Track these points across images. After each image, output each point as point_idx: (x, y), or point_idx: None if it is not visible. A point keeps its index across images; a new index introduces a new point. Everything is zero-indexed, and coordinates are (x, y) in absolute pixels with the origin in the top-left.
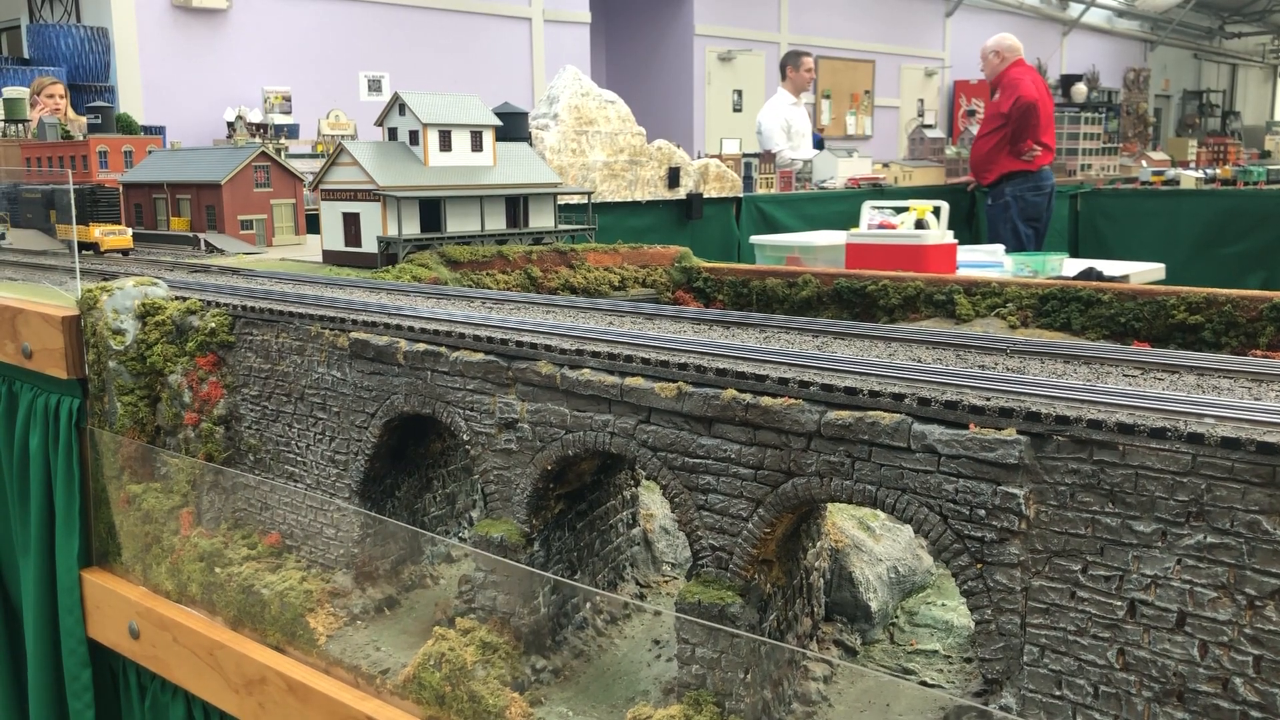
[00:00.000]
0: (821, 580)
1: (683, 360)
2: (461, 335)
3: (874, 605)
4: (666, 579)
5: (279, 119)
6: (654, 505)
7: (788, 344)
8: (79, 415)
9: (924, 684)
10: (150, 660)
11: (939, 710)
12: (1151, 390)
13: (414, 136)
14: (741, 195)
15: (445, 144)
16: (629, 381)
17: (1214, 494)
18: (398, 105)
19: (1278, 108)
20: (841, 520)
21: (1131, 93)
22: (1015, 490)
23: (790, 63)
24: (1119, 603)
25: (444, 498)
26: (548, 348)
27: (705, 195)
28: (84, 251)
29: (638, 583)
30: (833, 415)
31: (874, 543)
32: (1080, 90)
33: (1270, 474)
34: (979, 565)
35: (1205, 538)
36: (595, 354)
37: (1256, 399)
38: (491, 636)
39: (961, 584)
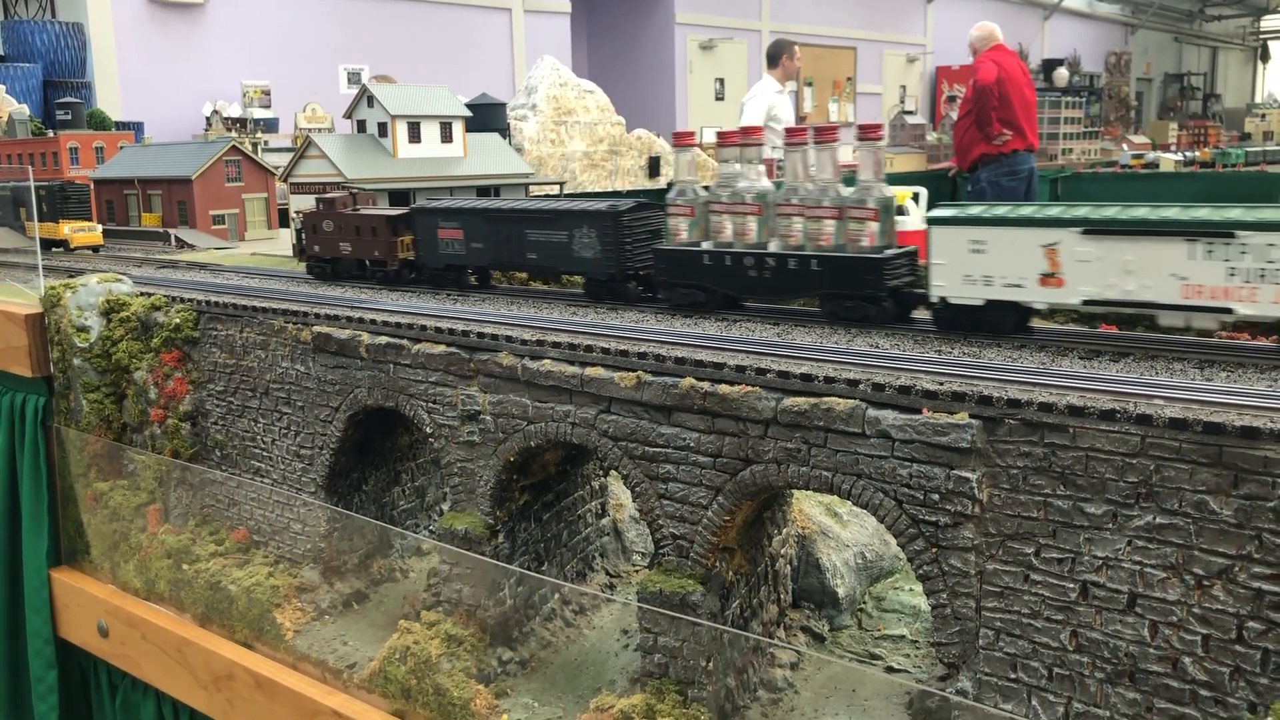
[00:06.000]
0: (788, 567)
1: (642, 349)
2: (423, 328)
3: (841, 591)
4: (637, 568)
5: (258, 113)
6: (624, 495)
7: (748, 331)
8: (45, 413)
9: (889, 669)
10: (119, 659)
11: (904, 695)
12: (1104, 372)
13: (383, 128)
14: None
15: (414, 135)
16: (589, 371)
17: (1163, 475)
18: (366, 97)
19: (1258, 90)
20: (809, 507)
21: (1113, 76)
22: (968, 474)
23: (785, 51)
24: (1071, 585)
25: (413, 491)
26: (509, 339)
27: None
28: (54, 249)
29: (608, 573)
30: (789, 402)
31: (841, 529)
32: (1062, 75)
33: (1217, 454)
34: (934, 549)
35: (1154, 518)
36: (556, 344)
37: (1207, 380)
38: (457, 629)
39: (917, 568)
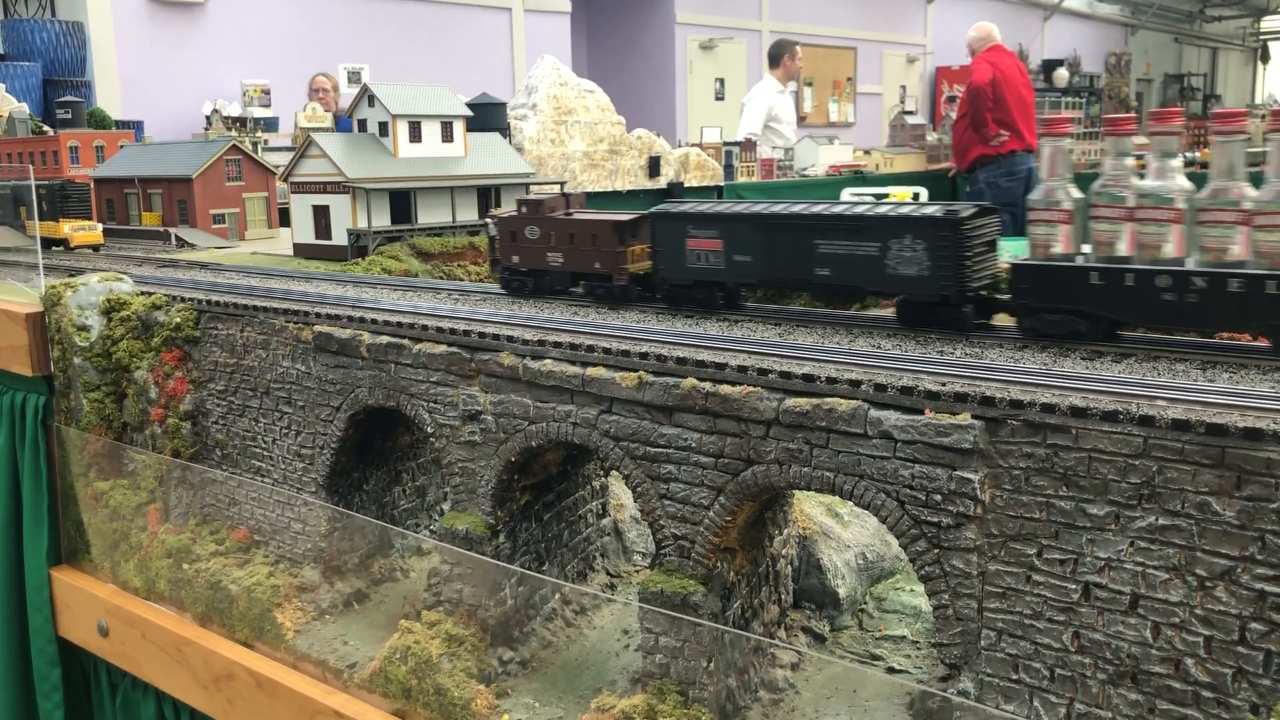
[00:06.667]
0: (789, 567)
1: (643, 349)
2: (424, 327)
3: (842, 592)
4: (638, 568)
5: (258, 112)
6: (625, 495)
7: (749, 331)
8: (45, 412)
9: (891, 670)
10: (120, 658)
11: (905, 696)
12: (1106, 373)
13: (384, 128)
14: (722, 184)
15: (415, 135)
16: (590, 372)
17: (1165, 476)
18: (366, 96)
19: (1258, 91)
20: (810, 507)
21: (1113, 77)
22: (970, 475)
23: (787, 51)
24: (1073, 586)
25: (414, 490)
26: (510, 338)
27: (686, 184)
28: (55, 247)
29: (608, 573)
30: (790, 403)
31: (842, 529)
32: (1062, 75)
33: (1220, 455)
34: (936, 550)
35: (1157, 519)
36: (557, 344)
37: (1210, 381)
38: (458, 629)
39: (919, 569)
